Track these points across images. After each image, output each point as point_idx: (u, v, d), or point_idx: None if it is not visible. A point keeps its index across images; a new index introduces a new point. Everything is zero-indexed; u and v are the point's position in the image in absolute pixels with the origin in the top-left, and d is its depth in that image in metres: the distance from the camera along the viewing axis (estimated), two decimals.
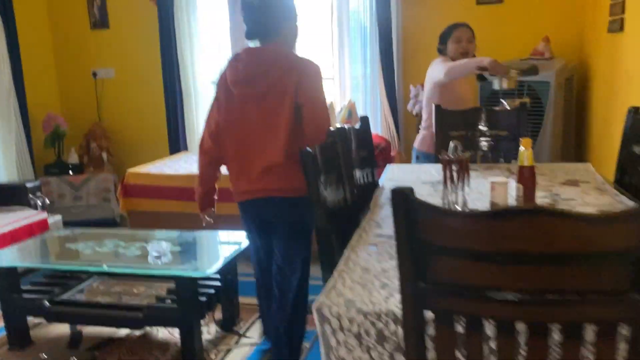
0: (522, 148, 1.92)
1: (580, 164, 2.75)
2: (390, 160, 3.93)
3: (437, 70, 2.98)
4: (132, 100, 5.31)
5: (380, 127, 4.58)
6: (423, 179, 2.55)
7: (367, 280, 1.40)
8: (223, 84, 2.26)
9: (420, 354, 1.13)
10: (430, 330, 1.15)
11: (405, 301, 1.11)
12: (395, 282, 1.38)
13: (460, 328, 1.10)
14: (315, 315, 1.27)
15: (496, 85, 2.86)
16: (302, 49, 2.40)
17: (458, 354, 1.10)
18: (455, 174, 1.75)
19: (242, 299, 3.13)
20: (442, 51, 3.16)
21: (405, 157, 4.48)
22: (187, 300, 2.57)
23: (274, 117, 2.16)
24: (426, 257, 1.06)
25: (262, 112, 2.19)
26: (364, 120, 2.54)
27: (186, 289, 2.55)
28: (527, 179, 1.92)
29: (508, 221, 0.97)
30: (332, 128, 2.17)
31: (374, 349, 1.25)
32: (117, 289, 3.04)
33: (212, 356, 2.73)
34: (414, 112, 4.39)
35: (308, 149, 1.71)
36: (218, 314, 3.01)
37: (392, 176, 2.64)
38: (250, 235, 2.47)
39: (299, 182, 2.02)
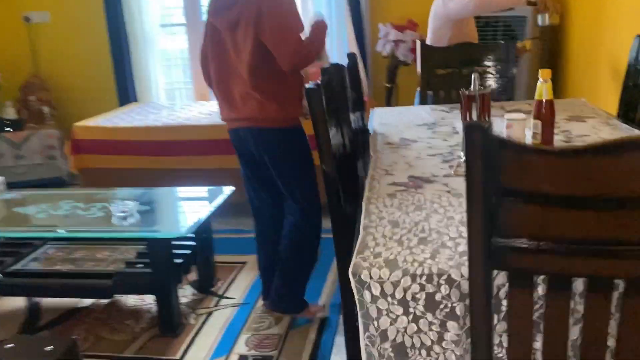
0: (540, 80, 1.74)
1: (574, 99, 2.61)
2: (363, 105, 3.70)
3: (458, 3, 2.68)
4: (72, 48, 4.81)
5: None
6: (416, 122, 2.35)
7: (401, 235, 1.20)
8: (207, 14, 2.28)
9: (487, 321, 0.95)
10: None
11: (474, 260, 0.91)
12: (434, 236, 1.19)
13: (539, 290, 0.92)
14: (352, 280, 1.07)
15: (540, 21, 2.65)
16: None
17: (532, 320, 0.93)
18: (475, 112, 1.55)
19: (218, 258, 2.90)
20: None
21: (376, 103, 4.26)
22: (161, 264, 2.32)
23: (242, 47, 2.17)
24: (506, 207, 0.86)
25: (234, 41, 2.19)
26: (352, 57, 2.30)
27: (160, 252, 2.30)
28: (546, 114, 1.74)
29: (618, 157, 0.78)
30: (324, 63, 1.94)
31: (422, 317, 1.06)
32: (78, 255, 2.74)
33: (192, 321, 2.51)
34: (385, 53, 4.15)
35: (312, 84, 1.45)
36: (192, 275, 2.78)
37: (382, 120, 2.43)
38: (242, 168, 2.46)
39: (274, 112, 2.17)
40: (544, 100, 1.74)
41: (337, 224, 1.46)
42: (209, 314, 2.57)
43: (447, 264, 1.06)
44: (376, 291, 1.06)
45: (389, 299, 1.06)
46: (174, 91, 5.12)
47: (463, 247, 1.12)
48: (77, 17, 4.70)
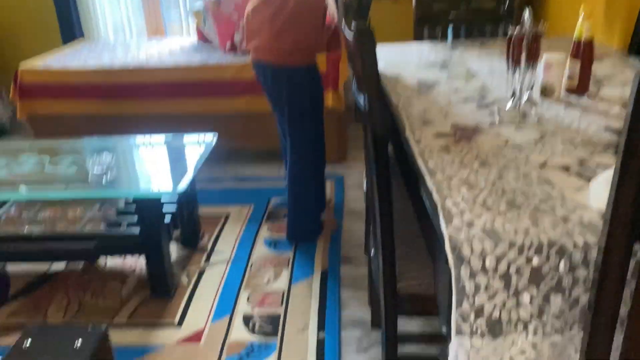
0: (581, 17, 1.61)
1: (563, 38, 2.51)
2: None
3: None
4: None
5: None
6: (424, 62, 2.19)
7: (485, 199, 1.07)
8: None
9: (617, 300, 0.85)
10: None
11: (616, 231, 0.80)
12: (520, 198, 1.06)
13: None
14: (450, 257, 0.94)
15: None
16: None
17: None
18: (525, 54, 1.40)
19: (201, 210, 2.72)
20: None
21: None
22: (151, 223, 2.11)
23: None
24: None
25: None
26: None
27: (151, 211, 2.09)
28: (585, 54, 1.63)
29: None
30: None
31: (524, 292, 0.96)
32: (46, 215, 2.47)
33: (184, 280, 2.34)
34: None
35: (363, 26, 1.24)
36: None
37: (384, 59, 2.24)
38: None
39: (299, 51, 2.21)
40: (583, 39, 1.62)
41: (380, 168, 1.30)
42: (201, 272, 2.41)
43: (554, 232, 0.94)
44: (476, 266, 0.94)
45: (490, 273, 0.94)
46: (123, 26, 4.66)
47: (561, 210, 1.01)
48: None
